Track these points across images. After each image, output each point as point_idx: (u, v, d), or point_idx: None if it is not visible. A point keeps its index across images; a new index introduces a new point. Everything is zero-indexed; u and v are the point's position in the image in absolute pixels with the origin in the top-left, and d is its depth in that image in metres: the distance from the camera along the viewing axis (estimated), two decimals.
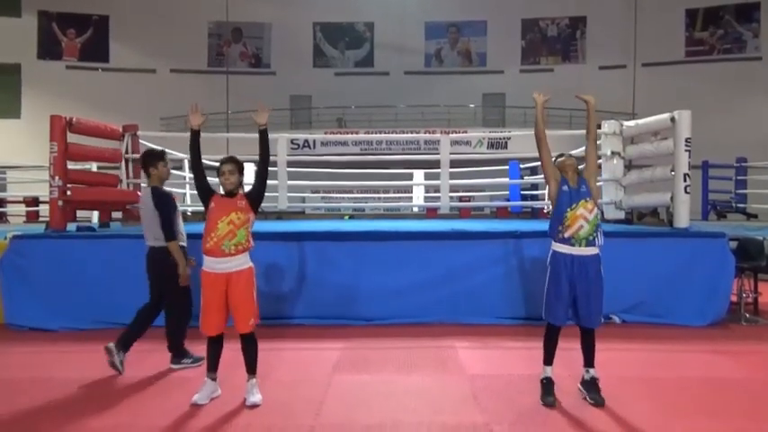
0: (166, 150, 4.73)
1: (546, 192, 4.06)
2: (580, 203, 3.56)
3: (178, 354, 4.42)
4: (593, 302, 3.56)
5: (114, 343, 4.24)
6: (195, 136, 3.77)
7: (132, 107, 22.57)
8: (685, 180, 6.25)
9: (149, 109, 23.22)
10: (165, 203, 4.34)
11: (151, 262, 4.40)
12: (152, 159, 4.49)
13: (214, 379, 3.65)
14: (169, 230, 4.27)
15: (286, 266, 5.79)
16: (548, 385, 3.63)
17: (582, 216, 3.54)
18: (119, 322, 5.61)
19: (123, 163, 7.55)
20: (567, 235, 3.56)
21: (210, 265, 3.55)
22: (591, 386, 3.62)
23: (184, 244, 4.50)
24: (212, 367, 3.65)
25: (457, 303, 5.77)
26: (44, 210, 10.24)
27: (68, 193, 6.38)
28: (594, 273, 3.56)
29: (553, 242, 3.66)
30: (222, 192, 3.71)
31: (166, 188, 4.61)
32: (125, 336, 4.32)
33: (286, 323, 5.62)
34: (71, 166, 6.83)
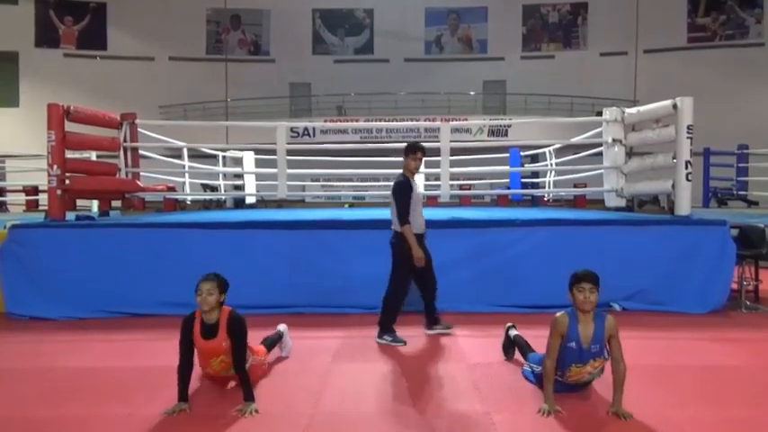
0: (421, 147, 4.86)
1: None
2: (589, 362, 3.32)
3: (383, 329, 4.75)
4: None
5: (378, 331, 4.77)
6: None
7: (130, 95, 22.49)
8: (687, 167, 6.23)
9: (148, 97, 23.12)
10: (398, 191, 4.72)
11: (391, 244, 4.83)
12: (405, 151, 4.85)
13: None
14: (401, 216, 4.67)
15: (286, 255, 5.78)
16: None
17: (588, 372, 3.37)
18: (119, 311, 5.66)
19: (122, 151, 7.52)
20: (567, 381, 3.42)
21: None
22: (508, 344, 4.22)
23: (419, 231, 4.80)
24: None
25: (457, 292, 5.75)
26: (44, 199, 10.22)
27: (67, 182, 6.37)
28: None
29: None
30: (201, 310, 3.43)
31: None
32: (384, 317, 4.80)
33: (285, 312, 5.62)
34: (69, 154, 6.80)
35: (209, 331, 3.42)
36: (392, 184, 4.82)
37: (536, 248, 5.76)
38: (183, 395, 3.31)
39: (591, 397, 3.50)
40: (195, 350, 3.45)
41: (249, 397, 3.31)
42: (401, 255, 4.73)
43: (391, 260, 4.84)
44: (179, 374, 3.33)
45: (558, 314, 3.38)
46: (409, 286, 4.86)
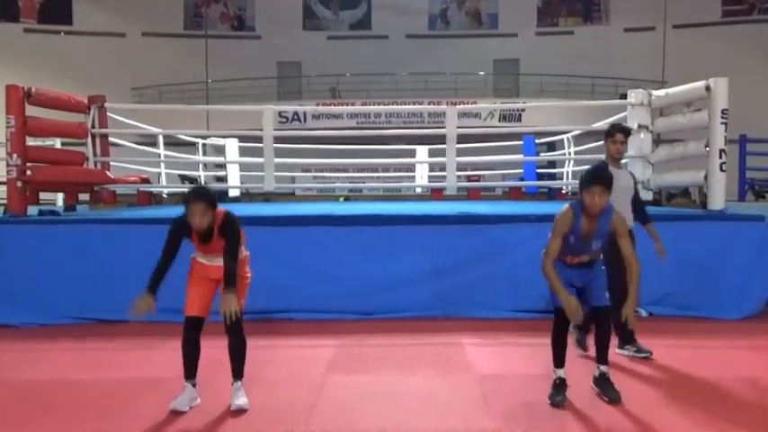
0: (621, 128, 4.69)
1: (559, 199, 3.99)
2: (588, 253, 3.60)
3: (622, 339, 4.49)
4: (596, 282, 3.66)
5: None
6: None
7: (99, 76, 22.44)
8: (721, 156, 6.23)
9: (118, 78, 23.11)
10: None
11: None
12: (605, 134, 4.69)
13: (194, 385, 3.62)
14: None
15: (274, 255, 5.77)
16: (559, 385, 3.66)
17: (587, 256, 3.63)
18: (87, 317, 5.66)
19: (89, 139, 7.51)
20: (566, 262, 3.64)
21: (202, 260, 3.65)
22: (603, 383, 3.68)
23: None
24: (191, 373, 3.61)
25: (465, 295, 5.77)
26: (2, 192, 10.23)
27: (28, 172, 6.36)
28: (593, 268, 3.69)
29: None
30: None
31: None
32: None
33: (274, 318, 5.63)
34: (31, 142, 6.80)
35: (205, 237, 3.55)
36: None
37: None
38: (153, 285, 3.42)
39: (616, 413, 3.51)
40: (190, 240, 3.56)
41: (231, 285, 3.38)
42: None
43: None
44: (155, 268, 3.45)
45: (563, 208, 3.55)
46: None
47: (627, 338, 4.50)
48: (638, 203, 4.72)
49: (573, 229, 3.50)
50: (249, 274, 3.77)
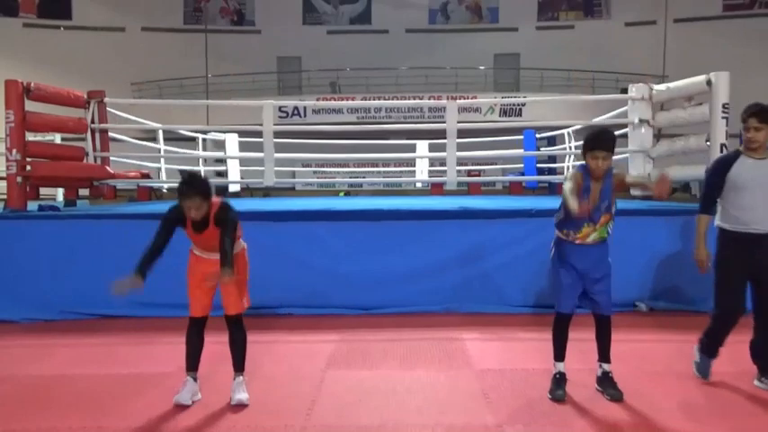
0: (758, 109, 4.10)
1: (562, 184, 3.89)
2: (599, 220, 3.56)
3: (764, 369, 4.01)
4: (602, 286, 3.62)
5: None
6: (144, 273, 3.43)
7: (99, 70, 22.42)
8: (722, 151, 6.21)
9: (118, 72, 23.07)
10: (706, 171, 4.13)
11: None
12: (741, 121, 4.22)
13: (195, 379, 3.63)
14: (700, 201, 4.04)
15: (274, 250, 5.76)
16: (559, 380, 3.68)
17: (596, 231, 3.57)
18: (88, 312, 5.66)
19: (89, 134, 7.50)
20: (575, 240, 3.59)
21: (198, 252, 3.62)
22: (605, 382, 3.68)
23: (743, 229, 3.88)
24: (193, 365, 3.63)
25: (465, 290, 5.77)
26: (2, 187, 10.24)
27: (28, 168, 6.36)
28: (600, 256, 3.63)
29: (557, 230, 3.70)
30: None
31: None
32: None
33: (274, 313, 5.63)
34: (31, 137, 6.79)
35: (200, 226, 3.44)
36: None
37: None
38: (141, 268, 3.32)
39: (616, 408, 3.51)
40: (187, 233, 3.50)
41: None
42: (716, 255, 4.05)
43: None
44: (145, 252, 3.37)
45: (572, 171, 3.65)
46: (734, 296, 4.09)
47: (700, 347, 4.12)
48: None
49: (584, 192, 3.46)
50: (248, 265, 3.71)
